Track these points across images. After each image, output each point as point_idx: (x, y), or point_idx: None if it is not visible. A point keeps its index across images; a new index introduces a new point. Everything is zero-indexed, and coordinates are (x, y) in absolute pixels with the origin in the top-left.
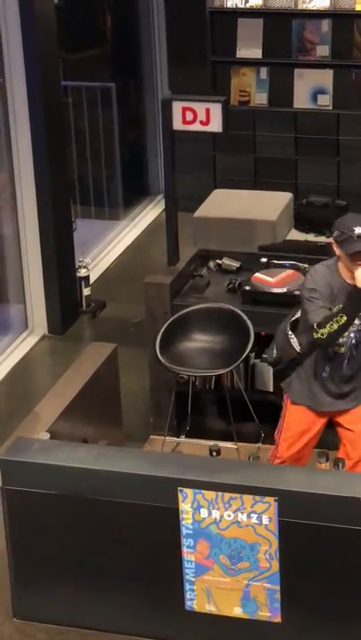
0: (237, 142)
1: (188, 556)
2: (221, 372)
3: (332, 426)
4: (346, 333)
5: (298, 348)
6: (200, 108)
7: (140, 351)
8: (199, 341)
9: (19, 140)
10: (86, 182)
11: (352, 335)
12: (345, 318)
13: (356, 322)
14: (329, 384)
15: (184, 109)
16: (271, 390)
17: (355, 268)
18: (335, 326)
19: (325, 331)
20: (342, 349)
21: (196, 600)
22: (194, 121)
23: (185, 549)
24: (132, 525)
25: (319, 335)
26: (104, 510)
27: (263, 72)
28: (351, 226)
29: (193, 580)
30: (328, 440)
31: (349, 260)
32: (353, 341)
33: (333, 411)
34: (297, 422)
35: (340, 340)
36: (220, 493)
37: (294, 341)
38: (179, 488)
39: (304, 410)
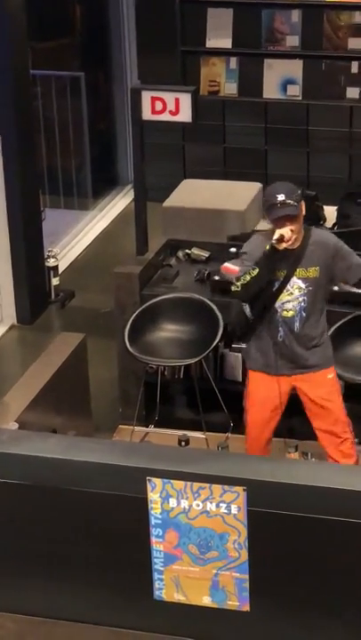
0: (207, 132)
1: (157, 545)
2: (190, 361)
3: (300, 415)
4: (293, 297)
5: (249, 314)
6: (169, 97)
7: (109, 341)
8: (168, 331)
9: None
10: (55, 172)
11: (301, 299)
12: (257, 270)
13: (302, 284)
14: (285, 348)
15: (153, 99)
16: (240, 380)
17: None
18: (248, 277)
19: (240, 283)
20: (290, 313)
21: (165, 589)
22: (163, 111)
23: (154, 539)
24: (101, 515)
25: (235, 287)
26: (73, 500)
27: (233, 62)
28: (275, 193)
29: (162, 569)
30: (297, 430)
31: (274, 226)
32: (303, 304)
33: (291, 374)
34: (258, 388)
35: (290, 305)
36: (188, 483)
37: (245, 307)
38: (147, 478)
39: (263, 376)
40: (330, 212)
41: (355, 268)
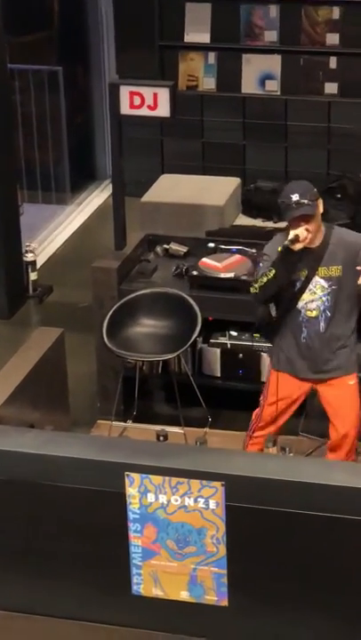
0: (185, 127)
1: (135, 540)
2: (169, 356)
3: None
4: (316, 296)
5: (274, 313)
6: (148, 92)
7: (87, 336)
8: (146, 326)
9: None
10: (33, 167)
11: (324, 298)
12: (273, 272)
13: (325, 284)
14: (308, 349)
15: (132, 94)
16: (218, 375)
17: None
18: (265, 279)
19: (257, 285)
20: (314, 313)
21: (143, 584)
22: (141, 105)
23: (132, 534)
24: (79, 510)
25: (253, 289)
26: (51, 495)
27: (211, 57)
28: (289, 194)
29: (140, 564)
30: None
31: (290, 226)
32: (327, 303)
33: (314, 378)
34: (280, 388)
35: (313, 305)
36: (167, 478)
37: (271, 306)
38: (126, 473)
39: (286, 376)
40: None
41: None
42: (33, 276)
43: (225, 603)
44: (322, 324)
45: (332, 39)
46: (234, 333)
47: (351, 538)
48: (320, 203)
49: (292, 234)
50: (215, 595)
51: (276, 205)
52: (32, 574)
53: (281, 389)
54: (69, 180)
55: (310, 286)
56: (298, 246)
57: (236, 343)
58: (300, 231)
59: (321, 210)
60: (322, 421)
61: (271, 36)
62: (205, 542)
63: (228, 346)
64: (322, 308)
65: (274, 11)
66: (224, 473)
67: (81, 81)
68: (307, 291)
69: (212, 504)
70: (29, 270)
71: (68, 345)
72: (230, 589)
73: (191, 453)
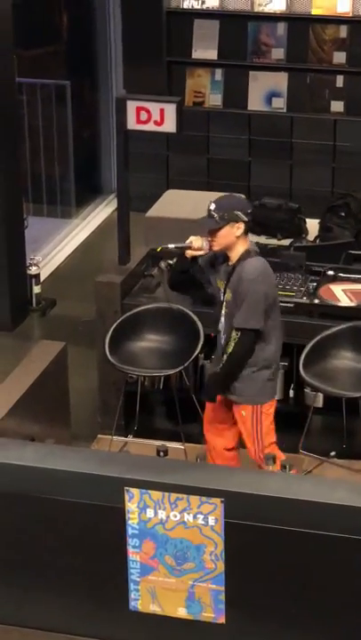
0: (191, 143)
1: (134, 555)
2: (170, 372)
3: (278, 429)
4: (223, 313)
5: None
6: (154, 108)
7: (90, 350)
8: (149, 341)
9: None
10: (39, 180)
11: (224, 319)
12: (175, 261)
13: (225, 304)
14: (217, 364)
15: (138, 109)
16: None
17: None
18: (172, 264)
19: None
20: (220, 328)
21: (141, 600)
22: (148, 121)
23: (130, 549)
24: (78, 524)
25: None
26: (50, 509)
27: (218, 73)
28: (212, 201)
29: (138, 580)
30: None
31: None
32: (224, 325)
33: (224, 394)
34: (208, 408)
35: (222, 320)
36: (166, 494)
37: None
38: (125, 488)
39: None
40: (312, 225)
41: (237, 316)
42: (36, 289)
43: (222, 620)
44: (221, 343)
45: (339, 58)
46: None
47: (351, 557)
48: (237, 226)
49: (190, 238)
50: (213, 612)
51: (280, 223)
52: (28, 588)
53: (209, 408)
54: (75, 194)
55: (224, 301)
56: (189, 253)
57: None
58: (196, 239)
59: (237, 233)
60: (323, 439)
61: (278, 53)
62: (204, 559)
63: None
64: (223, 327)
65: (281, 28)
66: (224, 489)
67: (88, 95)
68: (224, 303)
69: (211, 520)
70: (33, 283)
71: (70, 359)
72: (228, 607)
73: (191, 469)
